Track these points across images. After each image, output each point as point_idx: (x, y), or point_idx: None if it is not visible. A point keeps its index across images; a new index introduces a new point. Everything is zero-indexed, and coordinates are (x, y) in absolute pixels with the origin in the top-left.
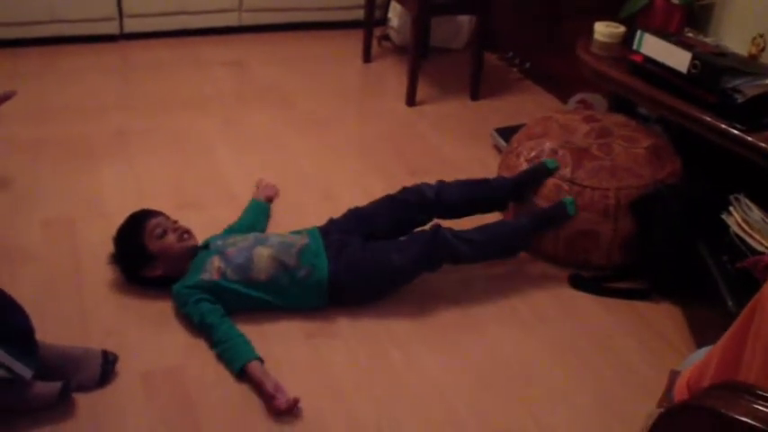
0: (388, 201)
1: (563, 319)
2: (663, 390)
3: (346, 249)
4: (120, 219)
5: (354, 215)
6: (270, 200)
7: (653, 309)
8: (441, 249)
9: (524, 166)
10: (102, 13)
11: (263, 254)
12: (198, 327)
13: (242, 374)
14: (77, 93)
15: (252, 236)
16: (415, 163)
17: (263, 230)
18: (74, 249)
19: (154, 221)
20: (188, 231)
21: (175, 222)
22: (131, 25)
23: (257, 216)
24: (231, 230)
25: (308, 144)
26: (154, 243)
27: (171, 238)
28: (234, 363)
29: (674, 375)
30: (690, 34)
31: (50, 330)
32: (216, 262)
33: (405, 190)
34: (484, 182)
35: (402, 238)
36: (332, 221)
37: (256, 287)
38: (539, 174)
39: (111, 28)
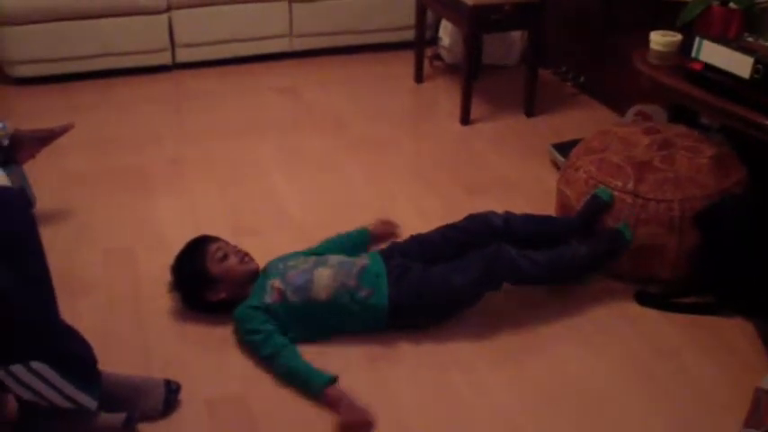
0: (453, 229)
1: (631, 336)
2: (747, 408)
3: (408, 274)
4: (178, 247)
5: (417, 241)
6: (380, 237)
7: (724, 324)
8: (503, 264)
9: (584, 178)
10: (155, 45)
11: (323, 274)
12: (259, 345)
13: (321, 395)
14: (132, 123)
15: (312, 258)
16: (472, 182)
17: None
18: (133, 279)
19: (215, 245)
20: (248, 254)
21: (234, 246)
22: (183, 55)
23: (352, 242)
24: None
25: (363, 167)
26: (216, 266)
27: (233, 260)
28: (311, 385)
29: (759, 393)
30: (750, 39)
31: (112, 360)
32: (276, 284)
33: (471, 218)
34: (549, 219)
35: (463, 259)
36: (394, 245)
37: (317, 308)
38: (597, 207)
39: (164, 58)
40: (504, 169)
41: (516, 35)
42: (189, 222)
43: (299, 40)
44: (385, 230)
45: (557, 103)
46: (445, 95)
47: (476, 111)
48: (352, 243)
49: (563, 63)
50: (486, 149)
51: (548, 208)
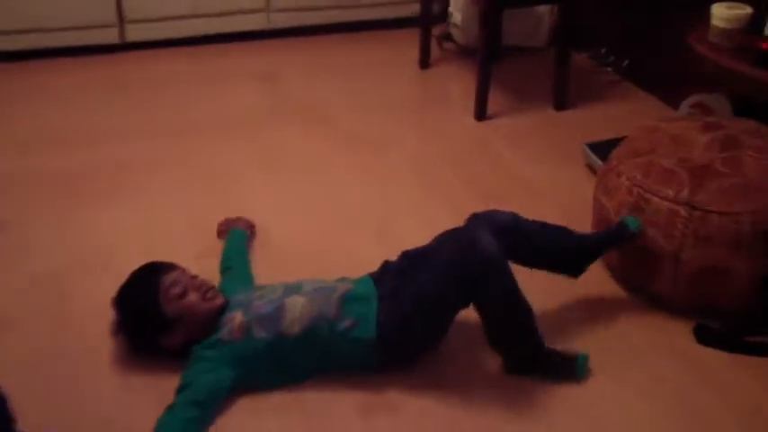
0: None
1: (689, 383)
2: None
3: (402, 294)
4: (126, 272)
5: (409, 256)
6: (249, 228)
7: None
8: (476, 249)
9: (627, 186)
10: (98, 19)
11: (296, 302)
12: (178, 389)
13: None
14: (70, 116)
15: (281, 286)
16: (490, 190)
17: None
18: (67, 313)
19: (170, 277)
20: (212, 287)
21: (194, 277)
22: (135, 33)
23: (243, 245)
24: (231, 273)
25: (357, 171)
26: (172, 305)
27: (193, 297)
28: None
29: None
30: None
31: (35, 419)
32: (238, 317)
33: (474, 218)
34: (567, 230)
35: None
36: (387, 264)
37: (290, 345)
38: (621, 237)
39: (110, 36)
40: (528, 174)
41: (544, 10)
42: (141, 240)
43: (277, 15)
44: (245, 222)
45: (594, 93)
46: (457, 84)
47: (494, 103)
48: (239, 246)
49: (601, 44)
50: (506, 150)
51: (582, 221)
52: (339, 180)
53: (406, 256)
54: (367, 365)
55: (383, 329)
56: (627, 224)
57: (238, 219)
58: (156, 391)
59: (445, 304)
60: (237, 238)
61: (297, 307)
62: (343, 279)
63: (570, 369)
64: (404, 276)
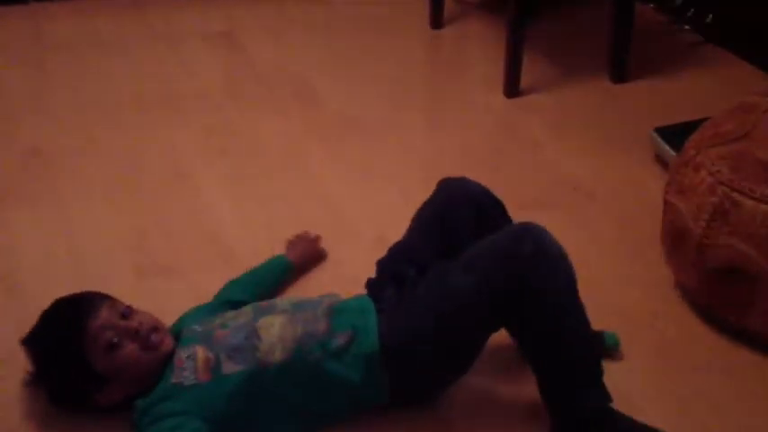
0: (427, 205)
1: None
2: None
3: (406, 299)
4: (42, 298)
5: (388, 261)
6: (301, 259)
7: None
8: (526, 240)
9: (708, 184)
10: None
11: (272, 323)
12: None
13: None
14: None
15: (250, 308)
16: (524, 192)
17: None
18: None
19: (98, 320)
20: (156, 329)
21: (132, 313)
22: None
23: (270, 276)
24: (221, 301)
25: (346, 165)
26: (103, 359)
27: (130, 349)
28: None
29: None
30: None
31: None
32: (201, 353)
33: (444, 182)
34: None
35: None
36: (369, 284)
37: (271, 377)
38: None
39: None
40: (575, 170)
41: None
42: (61, 255)
43: None
44: (305, 250)
45: (665, 59)
46: (479, 49)
47: (529, 75)
48: (268, 276)
49: None
50: (546, 138)
51: (648, 231)
52: (323, 176)
53: (387, 262)
54: (372, 390)
55: (386, 339)
56: (602, 337)
57: (302, 240)
58: None
59: (468, 310)
60: (272, 268)
61: (273, 328)
62: (328, 294)
63: None
64: (406, 281)
